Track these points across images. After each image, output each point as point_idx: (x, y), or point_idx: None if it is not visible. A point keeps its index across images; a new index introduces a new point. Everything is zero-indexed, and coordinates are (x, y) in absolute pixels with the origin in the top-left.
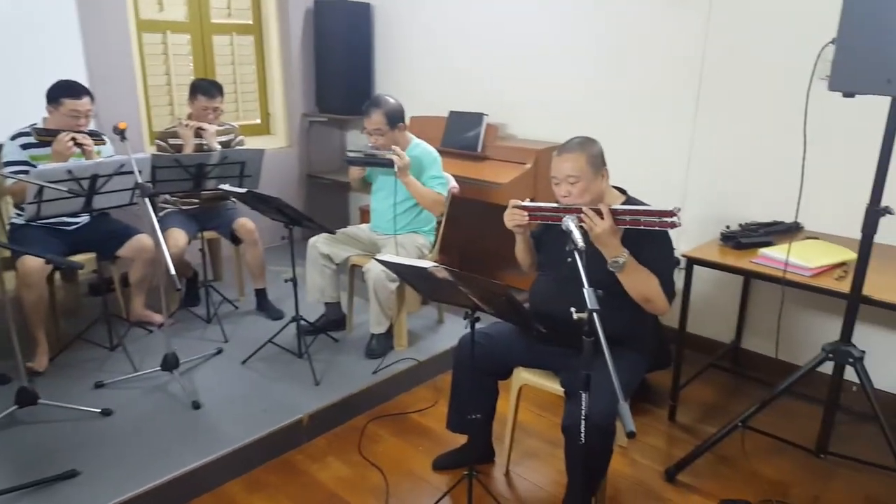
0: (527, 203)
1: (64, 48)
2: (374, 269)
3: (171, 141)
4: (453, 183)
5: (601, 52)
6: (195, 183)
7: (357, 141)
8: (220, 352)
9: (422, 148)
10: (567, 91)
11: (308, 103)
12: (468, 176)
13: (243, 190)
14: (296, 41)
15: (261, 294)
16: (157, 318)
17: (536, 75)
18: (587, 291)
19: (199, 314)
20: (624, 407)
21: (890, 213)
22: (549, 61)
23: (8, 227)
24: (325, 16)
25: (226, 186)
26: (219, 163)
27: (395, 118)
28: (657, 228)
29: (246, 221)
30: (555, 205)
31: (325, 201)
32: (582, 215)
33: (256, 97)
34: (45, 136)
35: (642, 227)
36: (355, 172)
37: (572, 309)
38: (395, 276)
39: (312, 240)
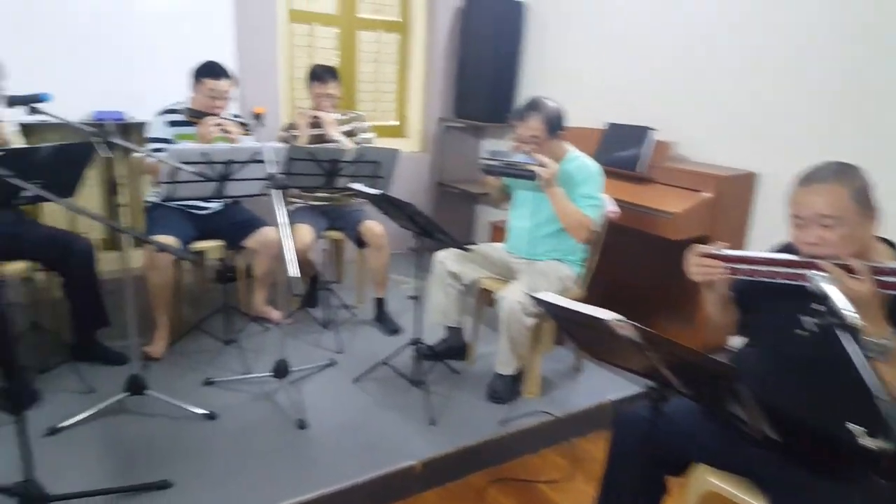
0: (724, 251)
1: (219, 34)
2: (509, 298)
3: (293, 132)
4: (612, 207)
5: (836, 59)
6: (327, 179)
7: (495, 148)
8: (332, 364)
9: (579, 162)
10: (774, 108)
11: (446, 108)
12: (627, 200)
13: (378, 192)
14: (441, 42)
15: (380, 304)
16: (275, 315)
17: (723, 89)
18: (883, 404)
19: (317, 316)
20: None
21: None
22: (746, 73)
23: (145, 206)
24: (474, 15)
25: (358, 186)
26: (353, 160)
27: (555, 124)
28: None
29: (374, 225)
30: (772, 255)
31: (452, 212)
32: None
33: (395, 98)
34: (194, 117)
35: None
36: (493, 182)
37: (852, 426)
38: (533, 309)
39: (440, 255)
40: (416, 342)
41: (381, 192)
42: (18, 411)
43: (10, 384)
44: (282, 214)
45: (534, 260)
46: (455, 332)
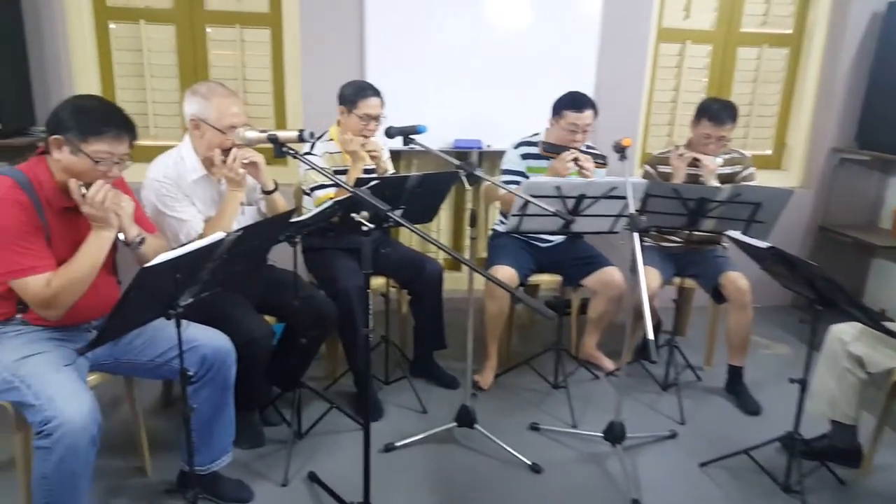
0: None
1: (580, 57)
2: None
3: (661, 168)
4: None
5: None
6: (690, 220)
7: None
8: (673, 436)
9: None
10: None
11: (843, 136)
12: None
13: (765, 245)
14: (846, 56)
15: (736, 373)
16: (607, 363)
17: None
18: None
19: (655, 373)
20: None
21: None
22: None
23: (489, 233)
24: None
25: (736, 234)
26: (727, 200)
27: None
28: None
29: (738, 277)
30: None
31: (835, 263)
32: None
33: (773, 123)
34: (550, 152)
35: None
36: None
37: None
38: None
39: (839, 329)
40: (790, 437)
41: (770, 245)
42: (366, 423)
43: (361, 394)
44: (638, 259)
45: None
46: (845, 430)
